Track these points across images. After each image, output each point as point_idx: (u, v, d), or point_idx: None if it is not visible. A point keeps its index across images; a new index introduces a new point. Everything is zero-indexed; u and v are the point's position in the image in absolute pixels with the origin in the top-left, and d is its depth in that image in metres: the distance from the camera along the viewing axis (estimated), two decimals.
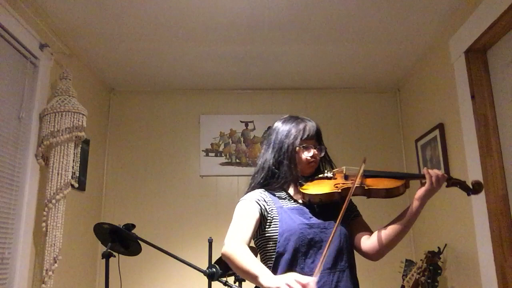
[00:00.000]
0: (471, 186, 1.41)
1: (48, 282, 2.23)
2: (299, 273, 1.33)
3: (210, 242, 2.31)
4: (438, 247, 2.44)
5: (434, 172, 1.35)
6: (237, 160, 3.43)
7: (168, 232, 3.25)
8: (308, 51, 2.92)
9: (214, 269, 1.97)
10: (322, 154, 1.51)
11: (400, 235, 1.37)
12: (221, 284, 2.05)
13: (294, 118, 1.53)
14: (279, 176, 1.46)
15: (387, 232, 1.38)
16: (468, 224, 2.33)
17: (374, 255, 1.42)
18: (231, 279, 2.13)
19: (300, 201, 1.47)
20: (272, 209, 1.42)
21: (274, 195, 1.46)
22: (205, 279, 2.07)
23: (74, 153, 2.41)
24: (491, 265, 2.10)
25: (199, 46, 2.82)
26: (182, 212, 3.32)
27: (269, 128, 3.50)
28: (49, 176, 2.29)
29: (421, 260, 2.41)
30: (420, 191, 1.35)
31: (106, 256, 2.14)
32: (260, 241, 1.45)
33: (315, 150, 1.49)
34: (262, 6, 2.36)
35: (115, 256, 2.20)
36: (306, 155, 1.47)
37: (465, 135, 2.35)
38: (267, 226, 1.41)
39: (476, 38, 2.19)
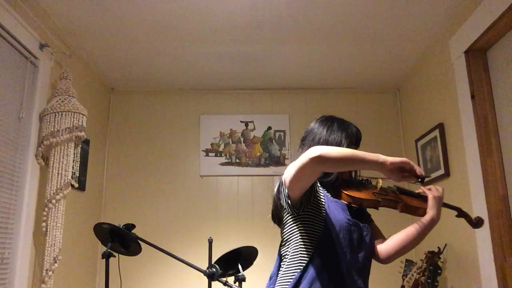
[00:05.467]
0: (474, 221, 1.60)
1: (48, 282, 2.23)
2: (339, 261, 1.34)
3: (210, 242, 2.31)
4: (438, 247, 2.44)
5: (429, 187, 1.49)
6: (237, 160, 3.42)
7: (168, 232, 3.25)
8: (308, 51, 2.92)
9: (214, 269, 1.97)
10: None
11: (414, 244, 1.44)
12: (221, 284, 2.04)
13: (341, 122, 1.59)
14: (323, 177, 1.43)
15: (403, 239, 1.45)
16: (468, 224, 2.32)
17: (386, 259, 1.49)
18: (231, 279, 2.13)
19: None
20: (319, 191, 1.40)
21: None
22: (205, 279, 2.07)
23: (74, 153, 2.41)
24: (491, 265, 2.10)
25: (199, 46, 2.82)
26: (182, 212, 3.32)
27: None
28: (49, 176, 2.29)
29: (421, 260, 2.41)
30: (429, 202, 1.45)
31: (106, 256, 2.14)
32: (303, 215, 1.37)
33: None
34: (262, 6, 2.36)
35: (115, 256, 2.20)
36: None
37: (465, 135, 2.35)
38: (313, 202, 1.36)
39: (476, 38, 2.19)
